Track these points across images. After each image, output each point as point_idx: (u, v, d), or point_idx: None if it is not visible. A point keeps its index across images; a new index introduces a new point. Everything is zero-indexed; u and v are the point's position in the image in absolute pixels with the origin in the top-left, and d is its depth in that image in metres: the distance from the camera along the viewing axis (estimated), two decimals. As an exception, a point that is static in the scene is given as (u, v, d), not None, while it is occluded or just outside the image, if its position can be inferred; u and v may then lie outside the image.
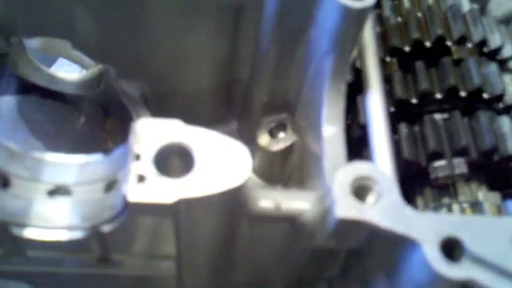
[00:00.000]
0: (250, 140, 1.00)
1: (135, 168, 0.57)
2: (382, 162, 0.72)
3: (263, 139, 1.00)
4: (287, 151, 1.00)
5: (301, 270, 0.76)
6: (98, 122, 1.00)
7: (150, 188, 0.56)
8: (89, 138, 1.01)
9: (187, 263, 0.68)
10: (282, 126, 1.00)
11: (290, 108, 0.99)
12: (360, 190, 0.60)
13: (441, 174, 0.89)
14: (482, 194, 0.89)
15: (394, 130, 0.90)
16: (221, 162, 0.58)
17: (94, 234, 0.60)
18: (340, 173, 0.60)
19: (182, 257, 0.67)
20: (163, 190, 0.56)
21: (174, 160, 0.58)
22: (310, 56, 0.90)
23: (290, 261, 0.73)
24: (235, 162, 0.59)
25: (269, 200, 0.65)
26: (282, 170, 1.03)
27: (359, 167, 0.60)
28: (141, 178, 0.56)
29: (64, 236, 0.60)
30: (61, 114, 1.02)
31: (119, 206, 0.58)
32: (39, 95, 1.00)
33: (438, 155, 0.90)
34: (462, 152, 0.90)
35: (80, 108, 1.01)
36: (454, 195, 0.91)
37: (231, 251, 0.71)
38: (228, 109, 1.05)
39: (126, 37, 0.87)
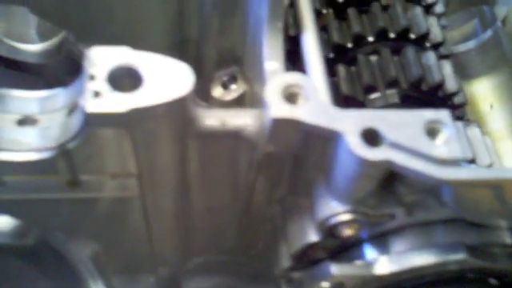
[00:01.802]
0: (204, 96, 1.09)
1: (91, 86, 0.65)
2: (315, 76, 0.81)
3: (217, 91, 1.09)
4: (239, 101, 1.09)
5: (253, 193, 0.85)
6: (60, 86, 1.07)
7: (105, 101, 0.64)
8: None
9: (148, 182, 0.76)
10: (233, 78, 1.09)
11: (238, 61, 1.08)
12: (291, 96, 0.69)
13: (376, 105, 0.99)
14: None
15: (333, 73, 0.99)
16: (166, 78, 0.67)
17: (61, 152, 0.68)
18: (272, 81, 0.69)
19: (142, 175, 0.75)
20: (116, 102, 0.64)
21: (125, 79, 0.67)
22: (249, 9, 0.99)
23: (241, 180, 0.81)
24: (179, 78, 0.67)
25: (215, 117, 0.74)
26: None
27: (288, 76, 0.70)
28: (96, 94, 0.65)
29: (34, 156, 0.68)
30: (26, 83, 1.09)
31: (80, 123, 0.66)
32: (3, 66, 1.07)
33: (372, 88, 0.99)
34: (393, 84, 0.99)
35: (44, 76, 1.08)
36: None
37: (186, 174, 0.79)
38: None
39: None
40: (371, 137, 0.67)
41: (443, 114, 0.70)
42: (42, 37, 1.13)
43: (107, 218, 0.84)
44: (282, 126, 0.68)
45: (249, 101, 1.09)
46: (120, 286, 0.96)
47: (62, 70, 1.08)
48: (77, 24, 0.99)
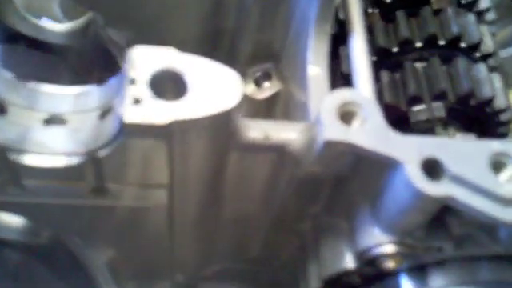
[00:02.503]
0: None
1: (131, 91, 0.59)
2: (365, 93, 0.75)
3: (249, 88, 1.03)
4: (272, 100, 1.03)
5: (286, 207, 0.79)
6: (84, 71, 1.01)
7: (146, 109, 0.58)
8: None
9: (178, 193, 0.70)
10: (267, 75, 1.03)
11: (275, 57, 1.01)
12: (345, 115, 0.63)
13: (420, 118, 0.93)
14: (460, 136, 0.93)
15: (375, 78, 0.93)
16: (212, 87, 0.61)
17: (90, 159, 0.62)
18: (327, 98, 0.62)
19: (174, 186, 0.69)
20: (158, 112, 0.58)
21: (169, 85, 0.60)
22: (295, 5, 0.92)
23: (276, 194, 0.76)
24: (226, 88, 0.61)
25: (258, 130, 0.68)
26: (267, 119, 1.06)
27: (345, 93, 0.63)
28: (136, 101, 0.59)
29: (61, 162, 0.62)
30: (48, 64, 1.03)
31: (115, 130, 0.60)
32: (26, 45, 1.01)
33: (417, 100, 0.93)
34: (440, 96, 0.93)
35: (67, 58, 1.02)
36: (433, 139, 0.94)
37: (220, 184, 0.73)
38: (214, 59, 1.06)
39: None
40: (432, 168, 0.61)
41: (511, 146, 0.64)
42: (67, 15, 1.07)
43: (128, 225, 0.78)
44: (335, 148, 0.62)
45: (282, 101, 1.02)
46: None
47: (88, 53, 1.01)
48: (107, 8, 0.93)
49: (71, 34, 1.01)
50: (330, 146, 0.62)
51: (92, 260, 0.80)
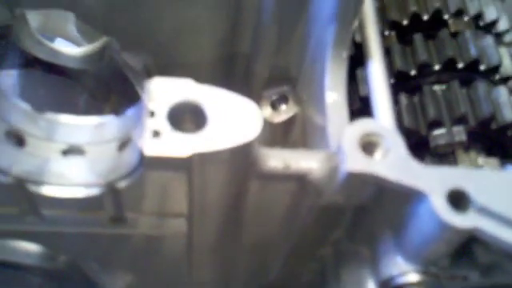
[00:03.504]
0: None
1: (150, 124, 0.58)
2: (385, 122, 0.74)
3: (265, 112, 1.02)
4: (289, 123, 1.02)
5: (306, 233, 0.78)
6: (101, 96, 1.01)
7: (165, 143, 0.57)
8: (92, 113, 1.02)
9: (197, 222, 0.69)
10: (283, 99, 1.02)
11: (291, 81, 1.01)
12: (368, 146, 0.62)
13: (440, 142, 0.91)
14: (482, 160, 0.91)
15: (394, 101, 0.92)
16: (232, 119, 0.60)
17: (110, 190, 0.61)
18: (349, 128, 0.61)
19: (193, 215, 0.68)
20: (177, 145, 0.57)
21: (188, 117, 0.60)
22: (311, 29, 0.91)
23: (297, 222, 0.75)
24: (246, 119, 0.60)
25: (278, 159, 0.66)
26: (284, 143, 1.05)
27: (367, 123, 0.62)
28: (156, 134, 0.58)
29: (80, 193, 0.61)
30: (64, 88, 1.02)
31: (134, 162, 0.59)
32: (42, 70, 1.00)
33: (437, 124, 0.92)
34: (460, 120, 0.92)
35: (83, 82, 1.02)
36: (454, 163, 0.93)
37: (240, 211, 0.72)
38: (229, 83, 1.05)
39: (128, 8, 0.89)
40: (458, 199, 0.59)
41: (537, 176, 0.63)
42: (83, 39, 1.07)
43: (146, 251, 0.77)
44: (357, 179, 0.61)
45: (299, 124, 1.01)
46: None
47: (104, 78, 1.01)
48: (123, 32, 0.92)
49: (87, 58, 1.00)
50: (352, 177, 0.61)
51: (109, 285, 0.79)
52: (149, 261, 0.80)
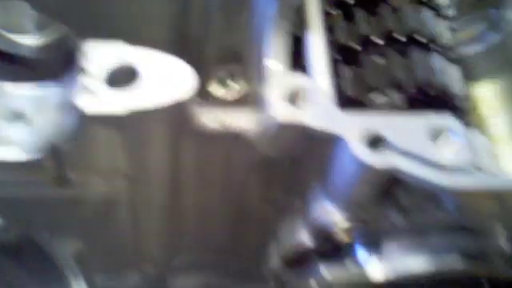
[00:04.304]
0: (202, 93, 1.06)
1: (87, 84, 0.63)
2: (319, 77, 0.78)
3: (216, 89, 1.06)
4: (241, 100, 1.06)
5: (246, 194, 0.82)
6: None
7: (102, 100, 0.62)
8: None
9: (138, 182, 0.74)
10: (233, 77, 1.06)
11: (240, 59, 1.05)
12: (294, 98, 0.66)
13: (381, 108, 0.96)
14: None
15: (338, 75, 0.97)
16: (166, 78, 0.64)
17: (52, 151, 0.65)
18: (276, 82, 0.66)
19: (134, 175, 0.72)
20: (113, 103, 0.62)
21: (123, 77, 0.64)
22: (256, 8, 0.96)
23: (235, 181, 0.79)
24: (179, 79, 0.65)
25: (213, 118, 0.71)
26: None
27: (293, 78, 0.67)
28: (93, 93, 0.62)
29: (24, 155, 0.65)
30: (23, 78, 1.06)
31: (74, 122, 0.64)
32: (0, 60, 1.04)
33: (377, 91, 0.97)
34: (399, 87, 0.96)
35: (40, 71, 1.05)
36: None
37: (178, 172, 0.76)
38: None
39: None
40: (376, 142, 0.65)
41: (449, 120, 0.68)
42: (41, 30, 1.10)
43: (94, 217, 0.81)
44: (285, 129, 0.66)
45: (250, 101, 1.06)
46: (104, 284, 0.93)
47: (59, 65, 1.05)
48: (77, 19, 0.97)
49: (44, 48, 1.05)
50: (281, 128, 0.65)
51: (59, 253, 0.82)
52: (95, 225, 0.84)
